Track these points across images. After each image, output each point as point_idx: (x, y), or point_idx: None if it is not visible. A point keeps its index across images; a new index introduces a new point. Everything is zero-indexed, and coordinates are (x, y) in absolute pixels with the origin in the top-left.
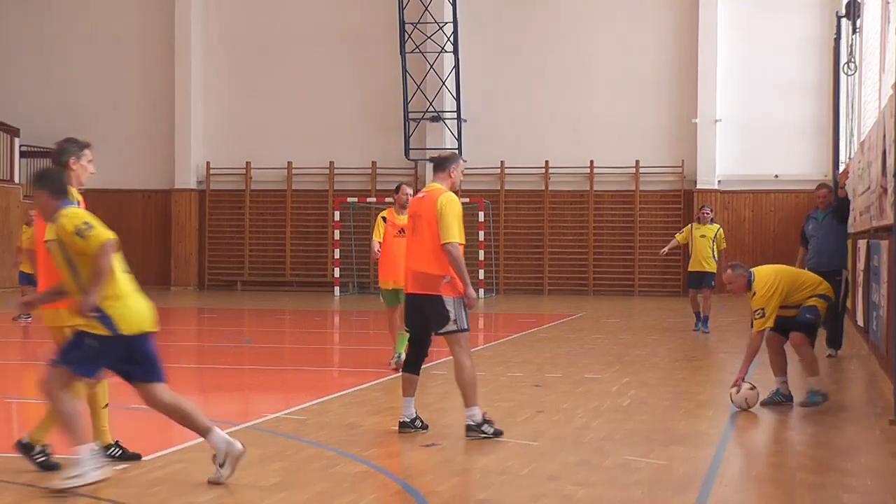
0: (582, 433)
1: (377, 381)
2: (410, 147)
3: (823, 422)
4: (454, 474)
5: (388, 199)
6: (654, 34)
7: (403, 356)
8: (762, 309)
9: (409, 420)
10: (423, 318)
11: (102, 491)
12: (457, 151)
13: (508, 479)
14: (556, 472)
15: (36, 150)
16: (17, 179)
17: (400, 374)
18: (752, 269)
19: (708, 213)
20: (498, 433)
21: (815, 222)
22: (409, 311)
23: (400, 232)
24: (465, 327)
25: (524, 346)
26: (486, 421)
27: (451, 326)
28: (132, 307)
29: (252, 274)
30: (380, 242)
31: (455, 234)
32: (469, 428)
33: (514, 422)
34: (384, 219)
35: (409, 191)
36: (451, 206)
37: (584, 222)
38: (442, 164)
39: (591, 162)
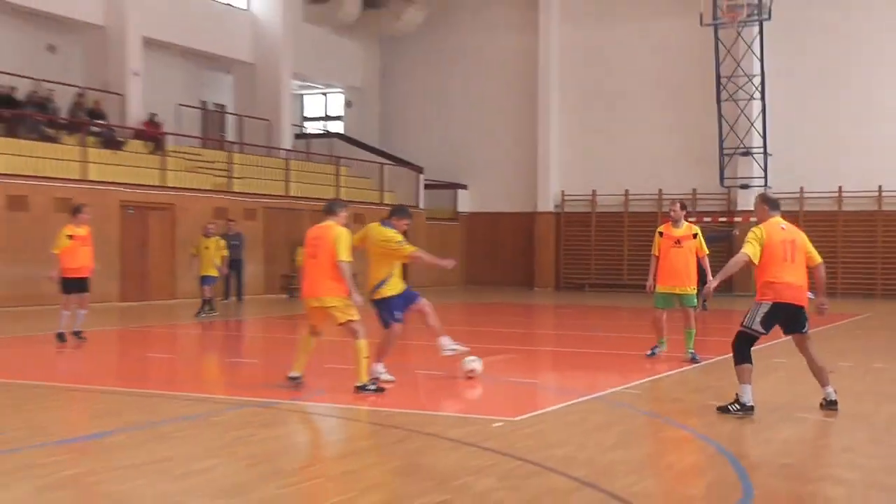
0: (872, 414)
1: (700, 364)
2: (725, 177)
3: None
4: (762, 442)
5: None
6: None
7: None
8: None
9: (748, 404)
10: (782, 322)
11: (485, 442)
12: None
13: (808, 449)
14: (849, 445)
15: (434, 183)
16: (421, 206)
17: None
18: None
19: None
20: (833, 404)
21: None
22: (775, 316)
23: (676, 243)
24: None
25: (818, 340)
26: (834, 400)
27: (807, 328)
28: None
29: (597, 278)
30: (656, 256)
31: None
32: (829, 404)
33: (814, 403)
34: (661, 233)
35: (678, 207)
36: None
37: (873, 240)
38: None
39: (880, 186)
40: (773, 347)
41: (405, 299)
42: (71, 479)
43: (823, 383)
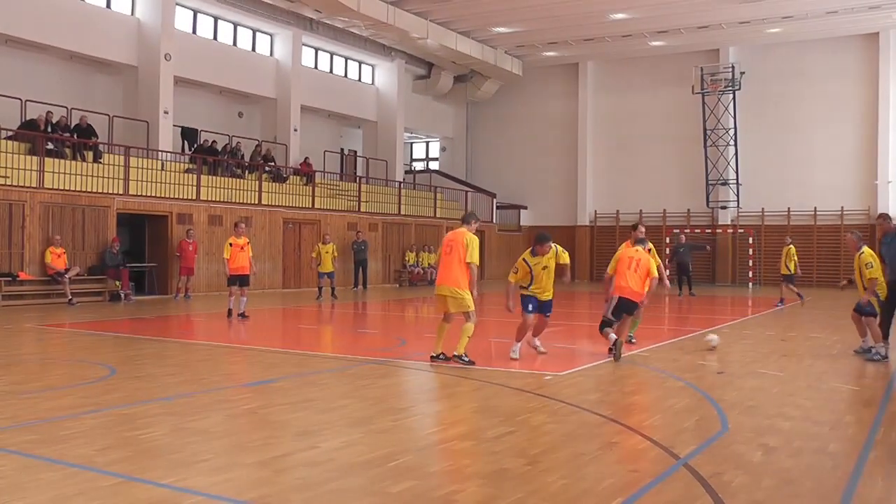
0: (809, 370)
1: (690, 336)
2: (710, 200)
3: None
4: (735, 390)
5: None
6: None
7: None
8: None
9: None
10: (624, 309)
11: (539, 389)
12: (735, 202)
13: (766, 395)
14: (793, 392)
15: (503, 204)
16: (494, 221)
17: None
18: None
19: None
20: (615, 344)
21: None
22: (621, 307)
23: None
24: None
25: (776, 319)
26: (615, 341)
27: (635, 314)
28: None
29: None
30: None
31: None
32: (615, 343)
33: (769, 363)
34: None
35: (643, 229)
36: None
37: (810, 244)
38: None
39: (815, 208)
40: (744, 323)
41: (543, 304)
42: (249, 411)
43: (620, 336)
